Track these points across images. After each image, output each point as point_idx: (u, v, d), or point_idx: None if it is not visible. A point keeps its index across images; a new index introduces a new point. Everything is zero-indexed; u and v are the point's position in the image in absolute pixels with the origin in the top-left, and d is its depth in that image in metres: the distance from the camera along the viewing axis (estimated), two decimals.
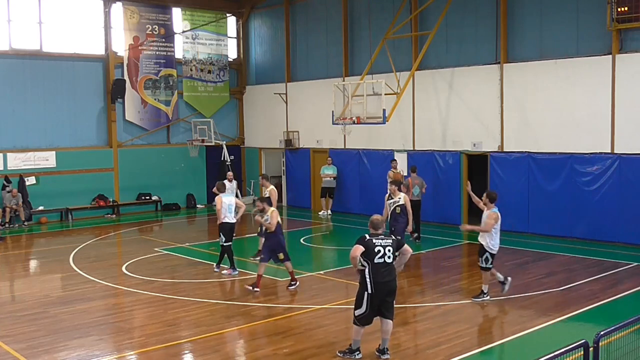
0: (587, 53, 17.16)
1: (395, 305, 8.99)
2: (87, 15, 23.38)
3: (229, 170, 21.38)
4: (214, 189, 15.23)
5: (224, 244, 14.16)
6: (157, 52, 24.77)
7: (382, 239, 8.74)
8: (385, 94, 17.81)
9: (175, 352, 9.42)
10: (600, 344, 6.08)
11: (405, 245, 9.01)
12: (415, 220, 17.19)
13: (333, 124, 19.34)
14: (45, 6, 22.36)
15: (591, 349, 5.95)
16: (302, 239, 18.31)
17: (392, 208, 13.98)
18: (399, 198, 13.94)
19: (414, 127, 20.99)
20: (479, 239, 11.70)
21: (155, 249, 17.06)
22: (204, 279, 13.87)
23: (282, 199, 25.66)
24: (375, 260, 8.61)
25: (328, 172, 22.61)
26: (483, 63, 19.25)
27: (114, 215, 23.53)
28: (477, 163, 19.88)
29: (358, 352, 8.91)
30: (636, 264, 14.47)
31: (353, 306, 8.96)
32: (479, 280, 13.47)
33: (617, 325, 6.49)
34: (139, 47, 24.18)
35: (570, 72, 17.42)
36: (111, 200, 23.79)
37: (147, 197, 24.61)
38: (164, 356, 9.25)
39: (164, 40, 24.87)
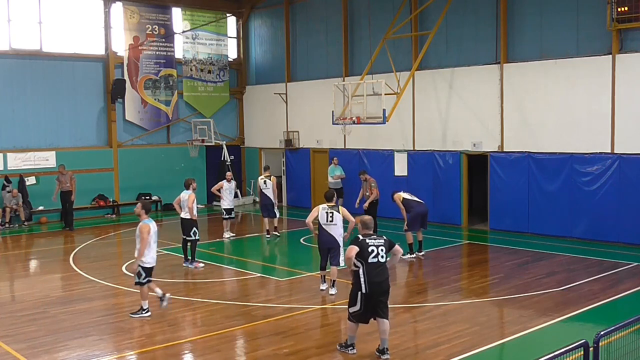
0: (587, 53, 17.16)
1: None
2: (87, 15, 23.37)
3: (228, 170, 21.40)
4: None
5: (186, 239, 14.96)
6: (157, 52, 24.77)
7: (374, 239, 8.82)
8: (385, 94, 17.80)
9: (175, 352, 9.42)
10: (600, 344, 6.08)
11: (397, 246, 9.07)
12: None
13: (333, 124, 19.33)
14: (45, 6, 22.35)
15: (591, 349, 5.95)
16: (302, 239, 18.31)
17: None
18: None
19: (414, 127, 20.99)
20: (136, 253, 10.88)
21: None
22: (204, 279, 13.87)
23: (282, 199, 25.68)
24: (369, 260, 8.67)
25: (337, 173, 21.80)
26: (483, 63, 19.25)
27: (114, 215, 23.53)
28: (477, 163, 19.88)
29: (352, 348, 8.98)
30: (636, 264, 14.47)
31: (347, 305, 8.98)
32: (479, 280, 13.52)
33: (617, 325, 6.49)
34: (139, 47, 24.18)
35: (570, 72, 17.42)
36: (111, 200, 23.79)
37: (147, 197, 24.60)
38: (164, 356, 9.25)
39: (164, 40, 24.87)
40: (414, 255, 15.41)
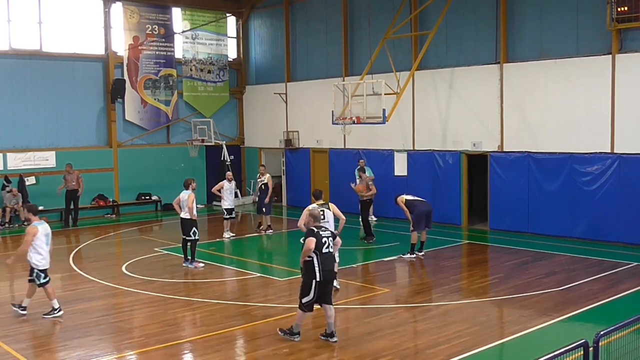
0: (587, 53, 17.16)
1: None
2: (87, 15, 23.36)
3: (228, 170, 21.39)
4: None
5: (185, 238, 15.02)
6: (157, 52, 24.77)
7: (324, 231, 9.57)
8: (385, 94, 17.80)
9: (175, 352, 9.42)
10: (600, 343, 6.08)
11: (337, 238, 10.00)
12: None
13: (333, 124, 19.33)
14: (45, 6, 22.34)
15: (591, 348, 5.95)
16: (301, 239, 18.28)
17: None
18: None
19: (414, 127, 20.99)
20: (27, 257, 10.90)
21: (155, 249, 17.06)
22: (204, 279, 13.87)
23: (282, 199, 25.68)
24: (323, 250, 9.38)
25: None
26: (483, 63, 19.25)
27: (114, 215, 23.52)
28: (477, 163, 19.87)
29: (297, 336, 9.42)
30: (636, 263, 14.47)
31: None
32: (478, 280, 13.52)
33: (617, 325, 6.49)
34: (139, 47, 24.17)
35: (570, 72, 17.41)
36: (111, 200, 23.78)
37: (147, 197, 24.62)
38: (164, 356, 9.25)
39: (163, 40, 24.87)
40: (414, 255, 15.41)
